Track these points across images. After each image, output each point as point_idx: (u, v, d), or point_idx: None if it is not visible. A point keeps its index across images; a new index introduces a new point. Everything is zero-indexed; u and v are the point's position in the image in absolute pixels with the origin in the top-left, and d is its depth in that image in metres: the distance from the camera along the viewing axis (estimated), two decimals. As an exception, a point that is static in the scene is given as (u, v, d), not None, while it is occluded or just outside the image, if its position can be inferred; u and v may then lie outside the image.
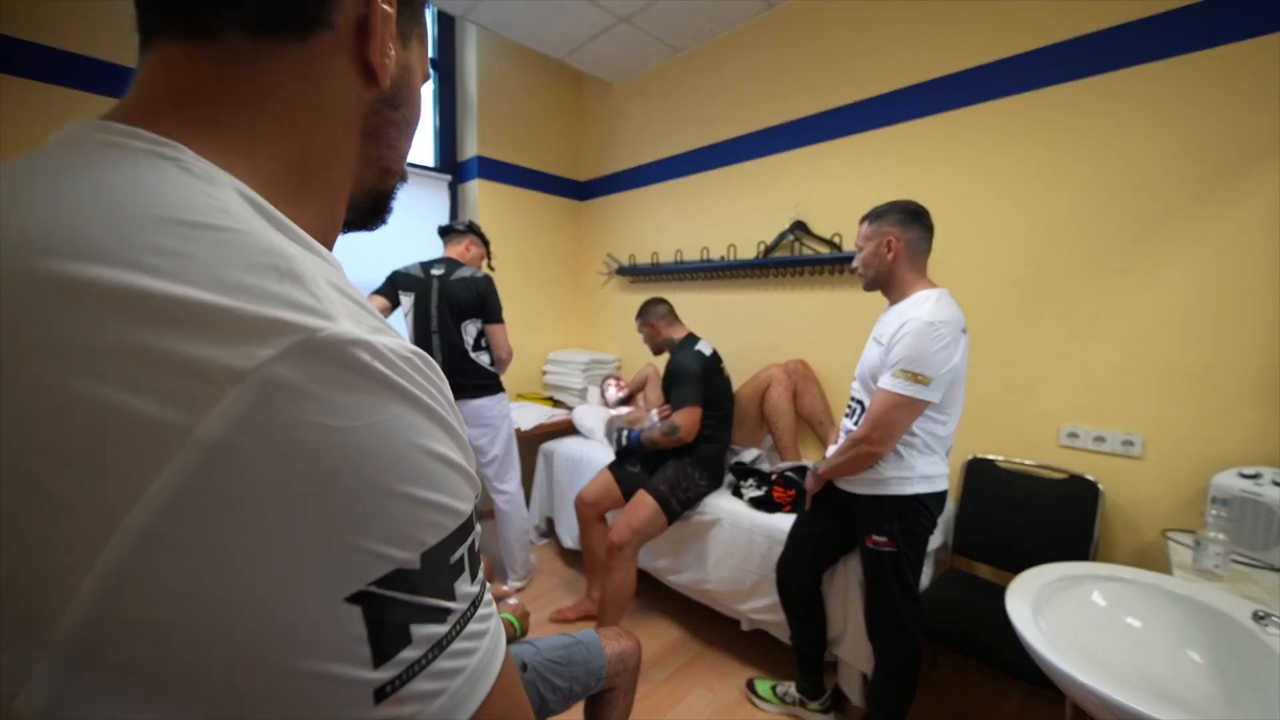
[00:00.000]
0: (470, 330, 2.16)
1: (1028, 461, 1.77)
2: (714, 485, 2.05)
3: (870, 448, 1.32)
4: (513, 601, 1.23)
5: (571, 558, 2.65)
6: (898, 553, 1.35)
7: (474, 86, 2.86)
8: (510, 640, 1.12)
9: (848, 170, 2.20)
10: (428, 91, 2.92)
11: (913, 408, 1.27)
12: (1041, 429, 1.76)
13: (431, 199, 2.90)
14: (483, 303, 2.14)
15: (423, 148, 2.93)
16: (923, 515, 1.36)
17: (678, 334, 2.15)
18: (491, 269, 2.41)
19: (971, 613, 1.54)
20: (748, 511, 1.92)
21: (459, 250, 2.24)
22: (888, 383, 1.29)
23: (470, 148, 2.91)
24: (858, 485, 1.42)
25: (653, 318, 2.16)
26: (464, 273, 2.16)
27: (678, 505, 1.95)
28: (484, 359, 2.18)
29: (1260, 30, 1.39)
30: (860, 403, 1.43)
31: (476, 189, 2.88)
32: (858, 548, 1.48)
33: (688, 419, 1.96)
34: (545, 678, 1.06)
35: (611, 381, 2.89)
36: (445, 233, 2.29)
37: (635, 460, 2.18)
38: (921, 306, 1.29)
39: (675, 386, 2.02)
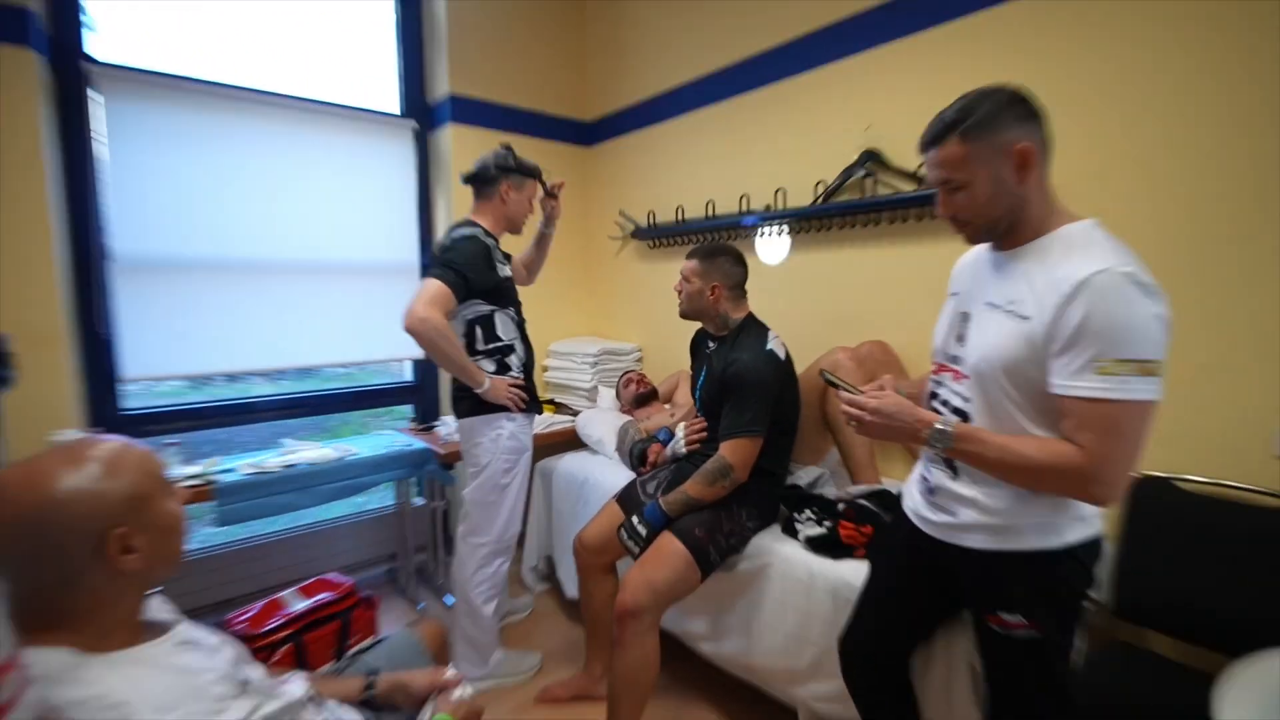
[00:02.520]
0: (456, 326, 1.59)
1: (1226, 481, 1.27)
2: (764, 525, 1.50)
3: (1100, 490, 0.80)
4: (456, 695, 0.89)
5: (578, 611, 2.08)
6: (1043, 640, 0.89)
7: (443, 6, 2.28)
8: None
9: (937, 75, 1.60)
10: (389, 23, 2.35)
11: (1149, 417, 0.79)
12: (1246, 433, 1.24)
13: (393, 152, 2.36)
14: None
15: (383, 91, 2.38)
16: (1077, 577, 0.91)
17: (738, 313, 1.55)
18: (554, 196, 1.80)
19: (1147, 713, 1.08)
20: (805, 556, 1.40)
21: (488, 211, 1.67)
22: (1101, 387, 0.77)
23: (441, 86, 2.35)
24: (970, 535, 0.93)
25: (720, 277, 1.51)
26: (448, 237, 1.62)
27: (717, 556, 1.41)
28: (483, 364, 1.60)
29: None
30: (960, 411, 0.92)
31: (450, 137, 2.32)
32: (972, 623, 0.99)
33: (745, 455, 1.40)
34: None
35: (633, 380, 2.33)
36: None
37: (654, 483, 1.62)
38: (1090, 250, 0.80)
39: (736, 402, 1.43)
